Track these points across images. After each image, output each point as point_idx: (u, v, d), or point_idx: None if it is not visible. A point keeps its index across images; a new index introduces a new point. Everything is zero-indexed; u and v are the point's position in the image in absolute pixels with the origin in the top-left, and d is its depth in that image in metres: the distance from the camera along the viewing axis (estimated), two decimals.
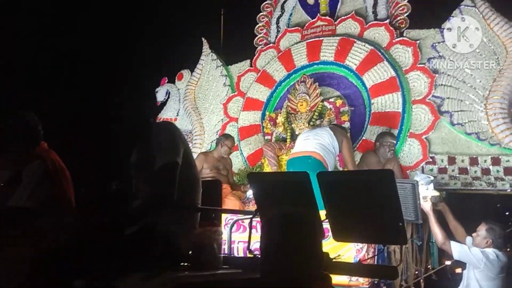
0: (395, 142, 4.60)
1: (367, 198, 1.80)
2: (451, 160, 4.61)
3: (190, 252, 1.85)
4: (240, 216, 2.88)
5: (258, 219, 2.18)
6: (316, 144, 3.96)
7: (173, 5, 8.19)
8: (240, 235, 3.74)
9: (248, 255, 2.11)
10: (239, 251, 3.76)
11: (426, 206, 3.49)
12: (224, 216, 3.54)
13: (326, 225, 2.13)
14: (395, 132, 4.77)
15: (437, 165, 4.65)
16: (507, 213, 9.46)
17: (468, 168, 4.51)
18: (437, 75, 4.80)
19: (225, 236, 2.48)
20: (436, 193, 3.78)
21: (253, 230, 2.16)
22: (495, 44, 4.68)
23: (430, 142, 4.73)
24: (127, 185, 1.95)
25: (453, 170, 4.58)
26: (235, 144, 5.85)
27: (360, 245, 3.41)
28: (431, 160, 4.66)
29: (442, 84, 4.81)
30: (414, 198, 3.32)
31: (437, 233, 3.44)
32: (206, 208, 2.00)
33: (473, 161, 4.52)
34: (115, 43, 7.88)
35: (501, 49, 4.65)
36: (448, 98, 4.75)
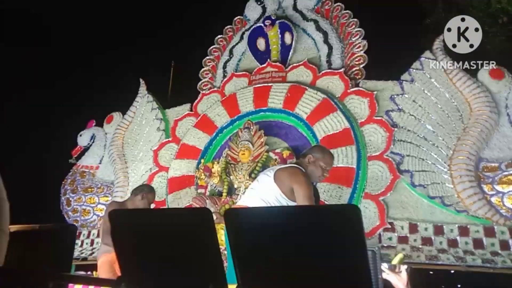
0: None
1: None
2: (413, 228, 3.90)
3: None
4: None
5: None
6: (259, 198, 2.67)
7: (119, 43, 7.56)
8: None
9: None
10: None
11: (398, 281, 2.36)
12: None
13: None
14: (349, 191, 4.06)
15: (397, 233, 3.92)
16: None
17: (433, 238, 3.81)
18: (396, 129, 4.24)
19: None
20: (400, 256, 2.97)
21: None
22: (458, 101, 4.23)
23: (388, 205, 4.04)
24: None
25: (415, 240, 3.85)
26: (163, 199, 4.92)
27: None
28: (389, 226, 3.94)
29: (401, 140, 4.22)
30: (375, 270, 2.49)
31: None
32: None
33: (438, 230, 3.83)
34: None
35: (465, 106, 4.19)
36: (408, 155, 4.15)
